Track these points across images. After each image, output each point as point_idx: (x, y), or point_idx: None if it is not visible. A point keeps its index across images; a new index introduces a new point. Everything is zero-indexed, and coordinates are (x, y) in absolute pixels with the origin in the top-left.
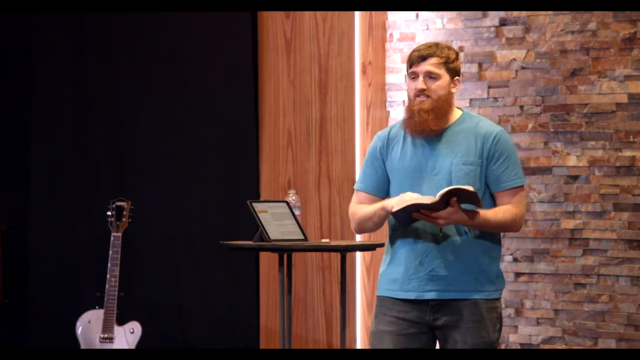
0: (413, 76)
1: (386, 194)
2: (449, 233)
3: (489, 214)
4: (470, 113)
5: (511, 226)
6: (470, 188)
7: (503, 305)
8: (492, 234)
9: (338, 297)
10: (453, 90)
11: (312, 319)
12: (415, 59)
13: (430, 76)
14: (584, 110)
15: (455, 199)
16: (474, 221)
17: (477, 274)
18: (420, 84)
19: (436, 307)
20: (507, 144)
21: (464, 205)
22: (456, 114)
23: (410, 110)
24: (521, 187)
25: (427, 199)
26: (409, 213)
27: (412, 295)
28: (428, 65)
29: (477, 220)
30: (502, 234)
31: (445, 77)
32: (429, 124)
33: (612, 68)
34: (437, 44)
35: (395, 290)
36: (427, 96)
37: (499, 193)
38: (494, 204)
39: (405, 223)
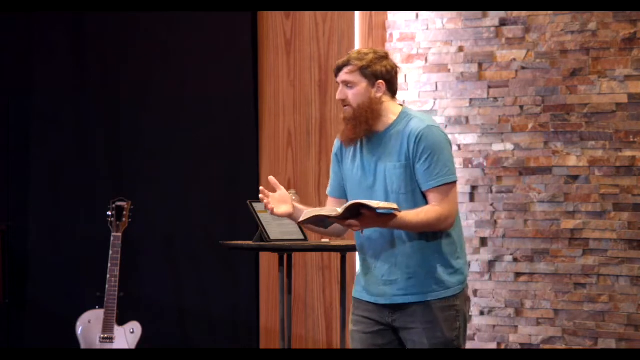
0: (338, 86)
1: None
2: (396, 237)
3: (409, 216)
4: (408, 111)
5: (436, 225)
6: (375, 204)
7: (502, 305)
8: (441, 232)
9: (338, 297)
10: (377, 94)
11: (312, 319)
12: (334, 70)
13: (347, 85)
14: (584, 110)
15: (366, 210)
16: (392, 225)
17: (426, 275)
18: (338, 94)
19: (393, 310)
20: (430, 142)
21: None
22: (393, 116)
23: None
24: (448, 184)
25: (332, 211)
26: (319, 223)
27: (371, 299)
28: (343, 75)
29: (395, 223)
30: (451, 226)
31: (362, 84)
32: (346, 134)
33: (612, 68)
34: (357, 52)
35: (360, 292)
36: (348, 105)
37: (426, 192)
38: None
39: (324, 227)
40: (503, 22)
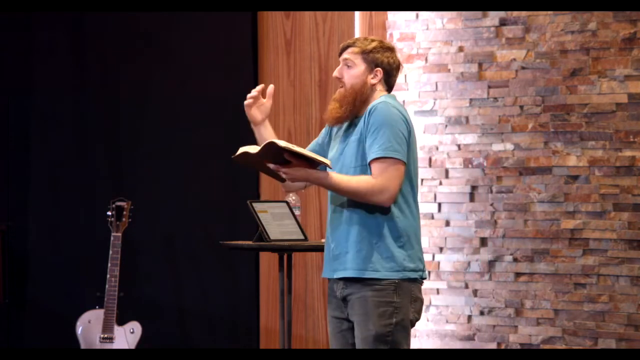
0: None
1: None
2: (344, 214)
3: (341, 178)
4: (388, 96)
5: (367, 196)
6: (283, 144)
7: (502, 305)
8: (379, 211)
9: None
10: (372, 80)
11: (312, 319)
12: (340, 49)
13: (347, 65)
14: (584, 110)
15: (288, 154)
16: (322, 181)
17: (357, 253)
18: (335, 71)
19: (345, 302)
20: (379, 116)
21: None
22: (373, 101)
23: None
24: (388, 159)
25: (253, 149)
26: (256, 164)
27: (324, 274)
28: (345, 54)
29: (325, 181)
30: (404, 215)
31: (360, 67)
32: (332, 113)
33: (612, 68)
34: (365, 37)
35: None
36: (342, 85)
37: (369, 164)
38: None
39: (263, 172)
40: (503, 22)
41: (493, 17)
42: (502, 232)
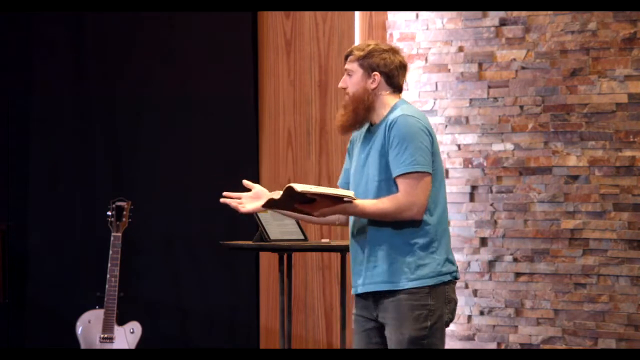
0: None
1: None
2: (368, 226)
3: (367, 204)
4: (399, 104)
5: (396, 215)
6: (300, 188)
7: (502, 305)
8: (408, 223)
9: (338, 297)
10: (371, 85)
11: (312, 319)
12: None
13: (348, 74)
14: (584, 110)
15: (310, 194)
16: (350, 212)
17: (391, 265)
18: (340, 82)
19: (375, 304)
20: (401, 129)
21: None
22: (387, 107)
23: None
24: (412, 173)
25: (277, 194)
26: (288, 207)
27: (356, 290)
28: (346, 64)
29: (353, 211)
30: (432, 222)
31: (358, 73)
32: (337, 121)
33: (612, 68)
34: (362, 43)
35: (352, 286)
36: (347, 93)
37: (395, 180)
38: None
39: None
40: (503, 22)
41: (493, 17)
42: (502, 232)
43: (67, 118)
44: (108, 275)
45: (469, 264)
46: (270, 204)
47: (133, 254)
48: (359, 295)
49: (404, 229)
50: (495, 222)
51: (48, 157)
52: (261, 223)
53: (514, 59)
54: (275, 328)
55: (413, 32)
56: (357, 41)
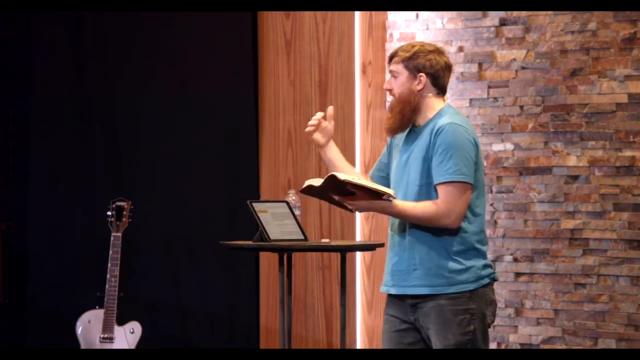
0: None
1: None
2: (407, 228)
3: (406, 206)
4: (447, 109)
5: (432, 221)
6: (343, 177)
7: (502, 305)
8: (449, 230)
9: (338, 297)
10: (417, 87)
11: (312, 319)
12: (387, 61)
13: (393, 75)
14: (584, 110)
15: (350, 185)
16: (386, 211)
17: (428, 269)
18: (385, 84)
19: (413, 308)
20: (448, 138)
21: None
22: (434, 112)
23: None
24: (454, 183)
25: (317, 182)
26: (323, 196)
27: (384, 289)
28: (391, 65)
29: (390, 210)
30: (478, 228)
31: (403, 75)
32: (385, 124)
33: (612, 68)
34: (407, 44)
35: (384, 285)
36: (393, 95)
37: (436, 186)
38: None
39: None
40: (503, 22)
41: (493, 17)
42: (502, 232)
43: (67, 118)
44: (108, 275)
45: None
46: (308, 191)
47: (133, 254)
48: (393, 296)
49: (445, 235)
50: (495, 222)
51: (48, 157)
52: (261, 223)
53: (514, 59)
54: (275, 328)
55: (413, 32)
56: (357, 41)
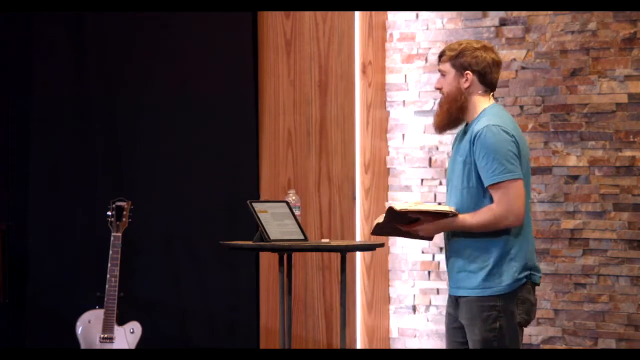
0: None
1: None
2: (450, 234)
3: (466, 217)
4: (489, 109)
5: (495, 224)
6: (399, 207)
7: None
8: (483, 233)
9: (338, 297)
10: (464, 84)
11: (312, 319)
12: (437, 61)
13: (442, 74)
14: (584, 110)
15: (412, 213)
16: (452, 227)
17: (470, 272)
18: (436, 83)
19: (457, 303)
20: (486, 141)
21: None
22: (478, 110)
23: None
24: (504, 182)
25: (381, 218)
26: (393, 229)
27: (450, 291)
28: (439, 65)
29: (454, 225)
30: (509, 231)
31: (451, 73)
32: (435, 120)
33: (612, 68)
34: (454, 42)
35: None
36: (442, 93)
37: (488, 189)
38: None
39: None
40: (503, 22)
41: (493, 17)
42: None
43: (67, 118)
44: (108, 275)
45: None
46: (377, 230)
47: (133, 254)
48: (451, 295)
49: (482, 237)
50: None
51: (48, 157)
52: (261, 223)
53: (514, 59)
54: (275, 328)
55: (413, 32)
56: (357, 41)
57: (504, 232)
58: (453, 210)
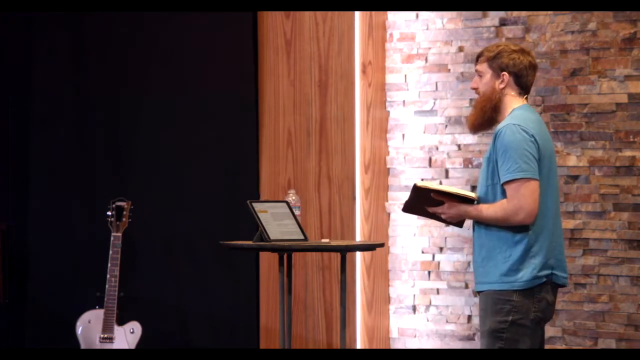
0: None
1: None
2: (475, 230)
3: (483, 208)
4: (518, 110)
5: (505, 220)
6: (422, 184)
7: None
8: (509, 228)
9: (338, 297)
10: (500, 85)
11: (312, 319)
12: (474, 62)
13: (478, 74)
14: (584, 110)
15: (435, 194)
16: (470, 215)
17: (491, 268)
18: (472, 82)
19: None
20: (505, 139)
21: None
22: (508, 110)
23: None
24: (517, 180)
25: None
26: (420, 210)
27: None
28: (477, 65)
29: (472, 214)
30: (527, 229)
31: (488, 74)
32: (469, 119)
33: (612, 68)
34: (492, 44)
35: None
36: (479, 93)
37: (503, 187)
38: None
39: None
40: (503, 22)
41: (493, 17)
42: None
43: (67, 118)
44: (108, 275)
45: (469, 264)
46: (407, 207)
47: (133, 254)
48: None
49: (503, 232)
50: None
51: (48, 157)
52: (261, 223)
53: None
54: (275, 328)
55: (413, 32)
56: (357, 41)
57: (526, 229)
58: (474, 196)
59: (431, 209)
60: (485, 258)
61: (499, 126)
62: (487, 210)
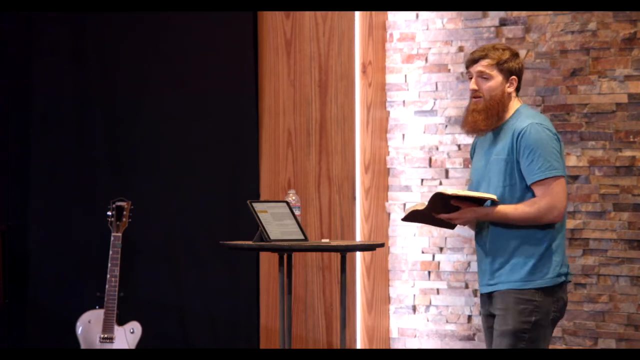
0: (469, 76)
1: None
2: (490, 230)
3: (509, 209)
4: (522, 109)
5: (538, 218)
6: (451, 191)
7: None
8: (533, 228)
9: (338, 297)
10: (509, 89)
11: (312, 319)
12: (469, 61)
13: (482, 77)
14: (584, 110)
15: (455, 200)
16: (493, 217)
17: (512, 268)
18: (471, 84)
19: (489, 300)
20: (532, 138)
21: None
22: (511, 111)
23: (466, 111)
24: (548, 179)
25: (421, 206)
26: (425, 218)
27: (480, 289)
28: (479, 66)
29: (494, 216)
30: (548, 227)
31: (497, 78)
32: (478, 124)
33: (612, 68)
34: (493, 46)
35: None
36: (480, 97)
37: (531, 187)
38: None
39: (433, 224)
40: (503, 22)
41: (493, 17)
42: None
43: (67, 118)
44: (108, 275)
45: (469, 264)
46: (410, 217)
47: (133, 254)
48: (482, 294)
49: (525, 231)
50: None
51: (48, 157)
52: (261, 223)
53: None
54: (275, 328)
55: (413, 32)
56: (357, 41)
57: (549, 226)
58: (495, 197)
59: (445, 216)
60: (510, 256)
61: (519, 125)
62: (515, 211)
